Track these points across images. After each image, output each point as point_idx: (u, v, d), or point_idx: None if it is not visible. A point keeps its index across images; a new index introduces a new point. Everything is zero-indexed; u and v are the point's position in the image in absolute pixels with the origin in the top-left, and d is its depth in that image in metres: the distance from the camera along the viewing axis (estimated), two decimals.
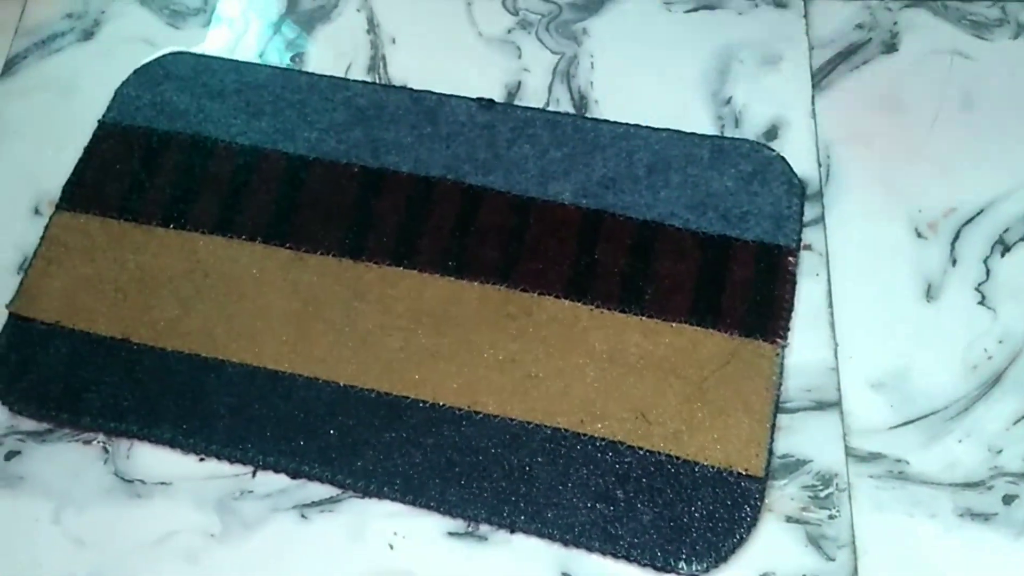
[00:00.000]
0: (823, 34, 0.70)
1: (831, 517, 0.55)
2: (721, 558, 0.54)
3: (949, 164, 0.65)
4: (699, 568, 0.54)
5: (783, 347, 0.59)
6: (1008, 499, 0.55)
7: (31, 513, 0.58)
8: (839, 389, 0.58)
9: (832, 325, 0.60)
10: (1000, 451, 0.56)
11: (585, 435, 0.57)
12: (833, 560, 0.54)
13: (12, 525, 0.58)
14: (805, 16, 0.71)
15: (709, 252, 0.62)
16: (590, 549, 0.55)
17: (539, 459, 0.57)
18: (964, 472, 0.56)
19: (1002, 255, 0.62)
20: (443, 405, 0.59)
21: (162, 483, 0.59)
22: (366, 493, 0.57)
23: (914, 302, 0.61)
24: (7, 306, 0.64)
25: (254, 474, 0.58)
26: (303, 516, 0.57)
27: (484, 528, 0.56)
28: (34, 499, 0.58)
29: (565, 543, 0.55)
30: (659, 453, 0.56)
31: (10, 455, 0.60)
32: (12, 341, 0.62)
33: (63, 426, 0.60)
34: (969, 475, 0.56)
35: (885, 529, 0.55)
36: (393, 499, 0.57)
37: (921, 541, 0.54)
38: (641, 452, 0.57)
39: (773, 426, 0.57)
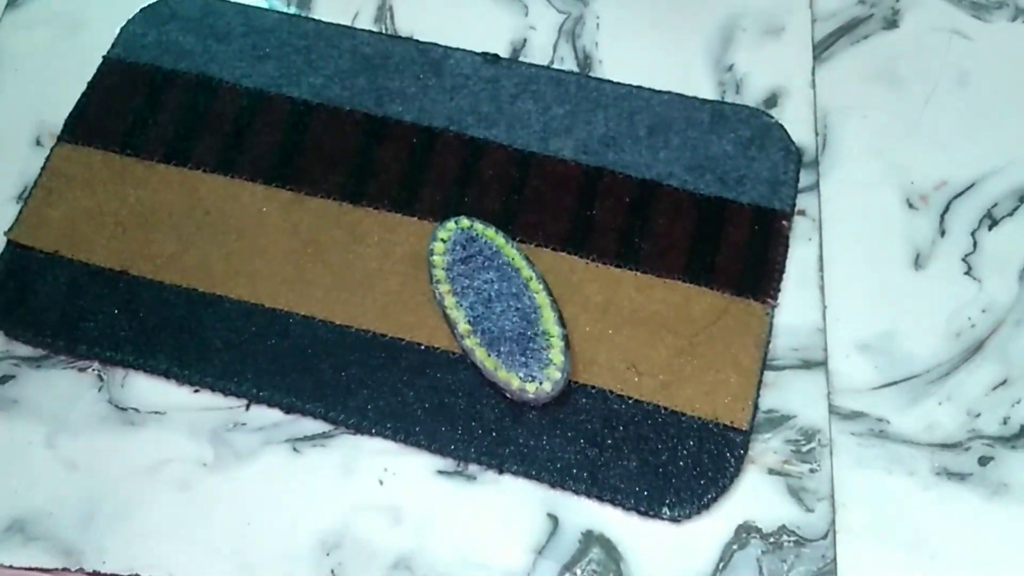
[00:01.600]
0: (826, 7, 0.71)
1: (812, 471, 0.57)
2: (704, 505, 0.55)
3: (942, 139, 0.66)
4: (682, 514, 0.55)
5: (773, 307, 0.60)
6: (984, 460, 0.57)
7: (24, 437, 0.59)
8: (826, 349, 0.60)
9: (822, 288, 0.62)
10: (978, 415, 0.58)
11: (576, 383, 0.58)
12: (812, 512, 0.56)
13: (5, 448, 0.58)
14: None
15: (705, 213, 0.63)
16: (576, 492, 0.56)
17: (527, 405, 0.58)
18: (943, 433, 0.58)
19: (989, 228, 0.63)
20: (437, 348, 0.59)
21: (156, 412, 0.59)
22: (358, 430, 0.58)
23: (903, 270, 0.62)
24: (6, 233, 0.64)
25: (248, 407, 0.59)
26: (295, 450, 0.58)
27: (473, 468, 0.57)
28: (28, 423, 0.59)
29: (552, 485, 0.56)
30: (647, 403, 0.58)
31: (4, 379, 0.60)
32: (10, 268, 0.63)
33: (59, 353, 0.61)
34: (947, 436, 0.57)
35: (864, 484, 0.56)
36: (384, 436, 0.58)
37: (898, 497, 0.56)
38: (630, 401, 0.58)
39: (760, 382, 0.58)
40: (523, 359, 0.57)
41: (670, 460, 0.56)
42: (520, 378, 0.56)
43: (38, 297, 0.61)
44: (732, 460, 0.56)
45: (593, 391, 0.58)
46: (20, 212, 0.65)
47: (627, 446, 0.57)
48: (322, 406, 0.58)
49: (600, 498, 0.56)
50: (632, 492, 0.56)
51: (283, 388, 0.59)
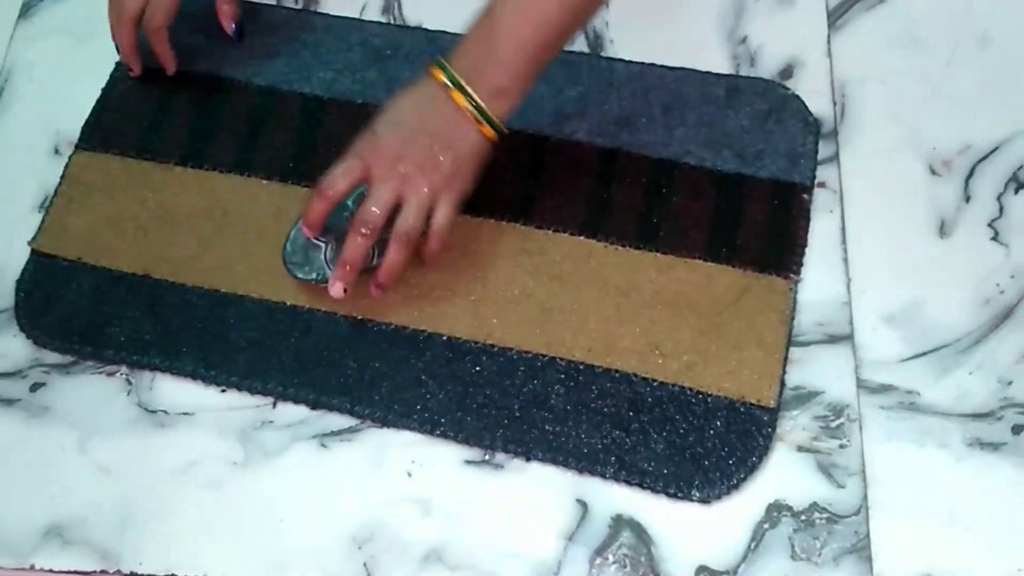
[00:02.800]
0: None
1: (841, 447, 0.56)
2: (733, 486, 0.55)
3: (964, 102, 0.65)
4: (711, 495, 0.55)
5: (796, 282, 0.60)
6: (1017, 429, 0.56)
7: (57, 442, 0.59)
8: (851, 323, 0.59)
9: (846, 261, 0.61)
10: (1010, 383, 0.57)
11: (600, 367, 0.58)
12: (843, 488, 0.55)
13: (40, 454, 0.59)
14: None
15: (724, 189, 0.62)
16: (605, 476, 0.56)
17: (555, 390, 0.58)
18: (974, 403, 0.57)
19: (1015, 192, 0.62)
20: (460, 339, 0.59)
21: (185, 413, 0.60)
22: (384, 423, 0.58)
23: (927, 238, 0.61)
24: (29, 243, 0.64)
25: (274, 405, 0.60)
26: (323, 445, 0.58)
27: (500, 456, 0.57)
28: (60, 429, 0.60)
29: (580, 471, 0.56)
30: (673, 385, 0.57)
31: (35, 387, 0.61)
32: (35, 277, 0.63)
33: (87, 359, 0.61)
34: (979, 406, 0.57)
35: (895, 458, 0.56)
36: (411, 429, 0.58)
37: (931, 470, 0.55)
38: (655, 384, 0.57)
39: (786, 359, 0.58)
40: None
41: (698, 441, 0.56)
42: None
43: (64, 304, 0.62)
44: (760, 439, 0.56)
45: (617, 375, 0.58)
46: (42, 221, 0.65)
47: (654, 429, 0.56)
48: (348, 401, 0.58)
49: (628, 482, 0.56)
50: (661, 475, 0.55)
51: (308, 385, 0.59)
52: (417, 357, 0.59)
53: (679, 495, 0.55)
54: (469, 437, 0.57)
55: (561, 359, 0.58)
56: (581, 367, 0.58)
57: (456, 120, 0.57)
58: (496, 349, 0.59)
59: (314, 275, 0.60)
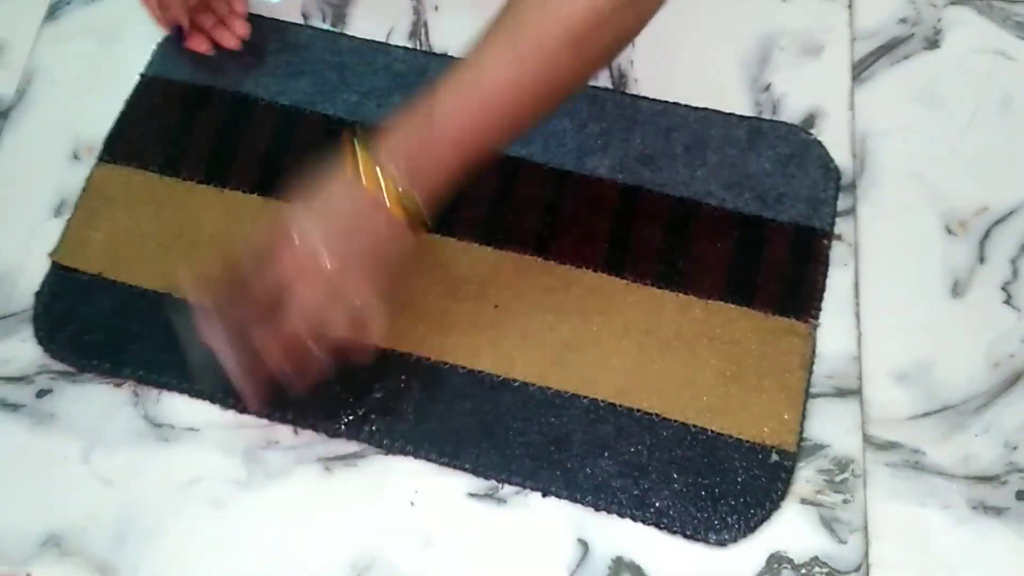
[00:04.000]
0: (866, 26, 0.70)
1: (845, 501, 0.56)
2: (750, 529, 0.55)
3: (984, 163, 0.65)
4: (728, 538, 0.55)
5: (816, 326, 0.60)
6: (1021, 495, 0.56)
7: (61, 451, 0.59)
8: (860, 378, 0.59)
9: (857, 315, 0.61)
10: (1016, 447, 0.57)
11: (621, 406, 0.58)
12: (845, 543, 0.55)
13: (42, 461, 0.59)
14: (849, 7, 0.71)
15: (744, 231, 0.62)
16: (621, 515, 0.56)
17: (575, 427, 0.58)
18: (979, 466, 0.57)
19: None
20: (480, 372, 0.59)
21: (190, 429, 0.60)
22: (404, 453, 0.58)
23: (940, 297, 0.61)
24: (50, 255, 0.64)
25: (296, 432, 0.59)
26: (327, 469, 0.58)
27: (504, 491, 0.57)
28: (64, 437, 0.60)
29: (597, 508, 0.56)
30: (693, 426, 0.57)
31: (41, 393, 0.61)
32: (54, 290, 0.63)
33: (104, 375, 0.61)
34: (984, 469, 0.57)
35: (898, 516, 0.56)
36: (429, 460, 0.58)
37: (933, 530, 0.55)
38: (676, 424, 0.58)
39: (805, 402, 0.58)
40: None
41: (717, 484, 0.56)
42: None
43: (82, 319, 0.62)
44: (779, 483, 0.56)
45: (638, 414, 0.58)
46: (63, 233, 0.65)
47: (673, 469, 0.56)
48: (366, 431, 0.58)
49: (645, 522, 0.56)
50: (678, 516, 0.55)
51: (328, 414, 0.59)
52: (437, 388, 0.59)
53: (696, 537, 0.55)
54: (487, 470, 0.57)
55: (582, 397, 0.59)
56: (602, 405, 0.58)
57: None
58: (517, 384, 0.59)
59: None
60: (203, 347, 0.53)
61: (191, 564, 0.56)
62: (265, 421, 0.60)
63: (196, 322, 0.53)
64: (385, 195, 0.50)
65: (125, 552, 0.56)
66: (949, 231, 0.63)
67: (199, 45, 0.70)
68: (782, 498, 0.56)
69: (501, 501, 0.57)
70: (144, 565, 0.56)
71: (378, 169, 0.50)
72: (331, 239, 0.51)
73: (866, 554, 0.55)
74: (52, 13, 0.74)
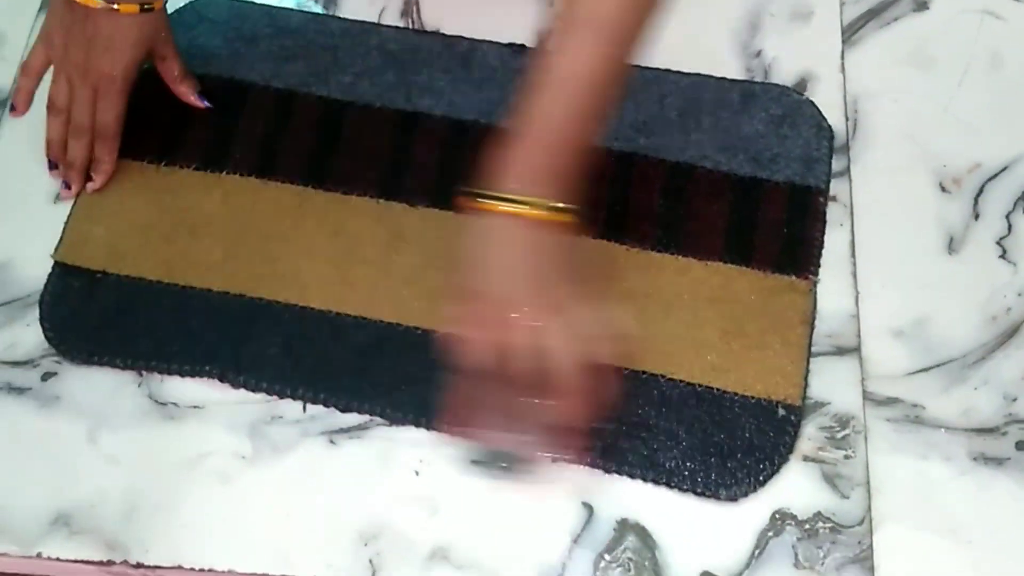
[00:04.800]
0: None
1: (847, 457, 0.57)
2: (760, 483, 0.56)
3: (975, 122, 0.66)
4: (739, 492, 0.55)
5: (816, 282, 0.60)
6: (1021, 445, 0.56)
7: (67, 432, 0.60)
8: (859, 335, 0.60)
9: (854, 274, 0.61)
10: (1015, 399, 0.58)
11: (626, 370, 0.59)
12: (847, 498, 0.56)
13: (49, 442, 0.60)
14: None
15: (741, 193, 0.63)
16: (632, 476, 0.56)
17: None
18: (979, 418, 0.57)
19: None
20: None
21: (195, 407, 0.60)
22: (416, 425, 0.58)
23: (936, 254, 0.62)
24: (52, 255, 0.64)
25: (304, 408, 0.60)
26: (332, 442, 0.59)
27: (509, 457, 0.58)
28: (70, 418, 0.60)
29: (607, 471, 0.57)
30: (699, 385, 0.58)
31: (46, 376, 0.61)
32: (59, 290, 0.63)
33: (116, 368, 0.61)
34: (984, 421, 0.57)
35: (899, 470, 0.56)
36: (442, 431, 0.58)
37: (934, 482, 0.56)
38: (682, 384, 0.58)
39: (808, 357, 0.58)
40: None
41: (725, 440, 0.57)
42: None
43: (90, 316, 0.62)
44: (786, 437, 0.56)
45: (644, 376, 0.58)
46: (63, 232, 0.65)
47: (681, 429, 0.57)
48: (379, 405, 0.59)
49: (656, 482, 0.56)
50: (689, 474, 0.56)
51: (339, 389, 0.59)
52: (445, 358, 0.60)
53: (706, 493, 0.56)
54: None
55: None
56: (608, 369, 0.59)
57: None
58: None
59: None
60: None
61: (199, 539, 0.57)
62: (268, 397, 0.60)
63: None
64: (535, 214, 0.50)
65: (134, 529, 0.57)
66: (943, 189, 0.64)
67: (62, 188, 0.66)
68: (790, 451, 0.56)
69: (504, 468, 0.58)
70: (153, 541, 0.57)
71: (514, 201, 0.51)
72: (519, 285, 0.50)
73: (869, 508, 0.55)
74: (47, 4, 0.75)
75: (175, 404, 0.60)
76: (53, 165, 0.66)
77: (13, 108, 0.66)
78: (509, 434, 0.53)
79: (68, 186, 0.66)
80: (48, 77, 0.65)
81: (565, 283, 0.51)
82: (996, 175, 0.64)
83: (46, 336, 0.62)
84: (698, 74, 0.67)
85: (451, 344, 0.51)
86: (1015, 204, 0.63)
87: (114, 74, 0.63)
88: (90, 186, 0.66)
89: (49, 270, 0.64)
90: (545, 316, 0.50)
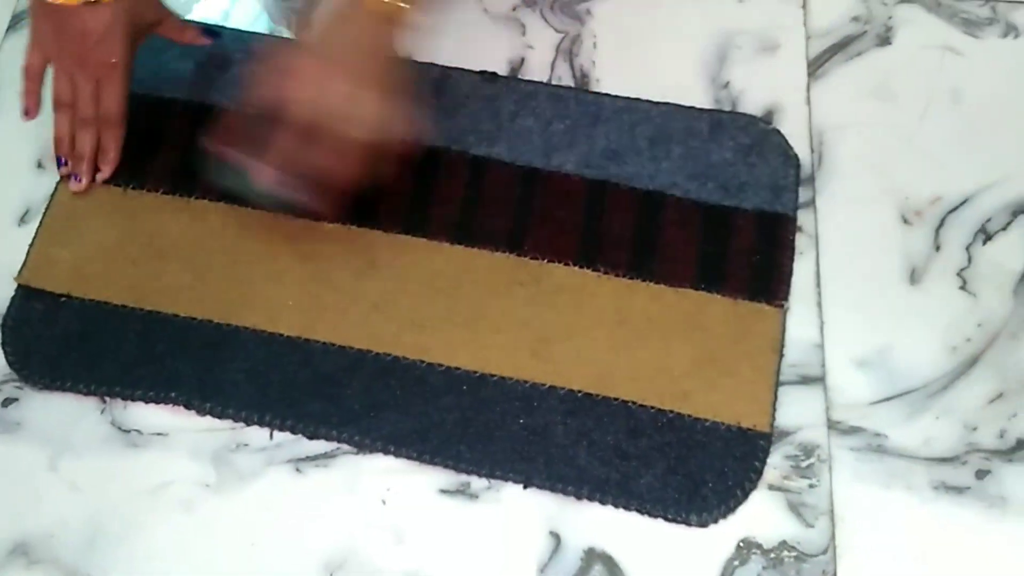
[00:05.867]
0: (820, 25, 0.72)
1: (811, 486, 0.57)
2: (730, 509, 0.56)
3: (937, 155, 0.67)
4: (710, 519, 0.56)
5: (786, 309, 0.61)
6: (981, 474, 0.57)
7: (28, 459, 0.59)
8: (824, 365, 0.60)
9: (819, 304, 0.62)
10: (975, 428, 0.59)
11: (598, 396, 0.59)
12: (812, 527, 0.56)
13: (10, 470, 0.59)
14: (803, 6, 0.73)
15: (711, 220, 0.64)
16: (603, 503, 0.57)
17: (553, 419, 0.58)
18: (940, 447, 0.58)
19: (984, 243, 0.64)
20: (457, 369, 0.60)
21: (158, 434, 0.60)
22: (384, 452, 0.58)
23: (898, 285, 0.63)
24: (15, 278, 0.64)
25: (271, 436, 0.59)
26: (297, 470, 0.58)
27: (476, 486, 0.58)
28: (31, 445, 0.59)
29: (579, 497, 0.57)
30: (670, 411, 0.58)
31: (7, 401, 0.61)
32: (22, 314, 0.63)
33: (79, 394, 0.60)
34: (945, 450, 0.58)
35: (863, 499, 0.57)
36: (410, 458, 0.58)
37: (897, 511, 0.56)
38: (652, 411, 0.58)
39: (777, 383, 0.59)
40: None
41: (696, 466, 0.57)
42: None
43: (53, 340, 0.61)
44: (755, 462, 0.57)
45: (615, 403, 0.59)
46: (28, 254, 0.64)
47: (652, 455, 0.57)
48: (347, 432, 0.58)
49: (627, 507, 0.56)
50: (660, 500, 0.56)
51: (307, 416, 0.59)
52: (417, 386, 0.60)
53: (677, 519, 0.56)
54: (468, 465, 0.58)
55: (559, 388, 0.59)
56: (579, 396, 0.59)
57: None
58: (495, 379, 0.59)
59: None
60: (261, 186, 0.58)
61: (162, 568, 0.56)
62: (234, 424, 0.59)
63: (248, 173, 0.58)
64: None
65: (95, 558, 0.56)
66: (905, 221, 0.65)
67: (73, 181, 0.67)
68: (759, 477, 0.57)
69: (473, 496, 0.57)
70: (114, 571, 0.56)
71: None
72: (345, 48, 0.57)
73: (833, 536, 0.56)
74: (15, 24, 0.74)
75: (138, 431, 0.60)
76: (62, 162, 0.66)
77: (27, 112, 0.66)
78: (260, 163, 0.57)
79: (79, 179, 0.66)
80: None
81: (380, 68, 0.58)
82: (956, 207, 0.65)
83: (7, 360, 0.61)
84: (667, 103, 0.68)
85: (254, 83, 0.57)
86: (975, 236, 0.64)
87: (114, 62, 0.63)
88: (99, 176, 0.66)
89: (12, 293, 0.63)
90: (349, 83, 0.56)
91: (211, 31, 0.71)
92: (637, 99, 0.68)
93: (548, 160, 0.66)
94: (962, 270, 0.63)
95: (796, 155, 0.66)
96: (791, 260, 0.63)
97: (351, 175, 0.58)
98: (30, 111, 0.66)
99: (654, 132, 0.67)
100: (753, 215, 0.64)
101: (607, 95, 0.69)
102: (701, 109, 0.68)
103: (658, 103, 0.68)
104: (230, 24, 0.73)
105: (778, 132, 0.67)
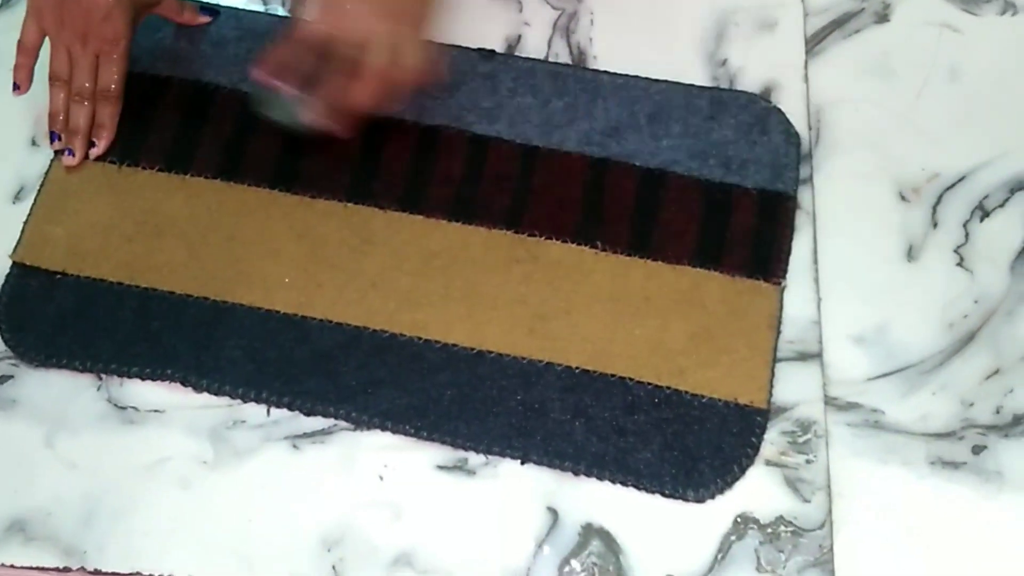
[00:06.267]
0: (818, 2, 0.72)
1: (808, 462, 0.57)
2: (727, 484, 0.56)
3: (934, 132, 0.67)
4: (707, 494, 0.56)
5: (783, 287, 0.61)
6: (977, 449, 0.57)
7: (24, 436, 0.59)
8: (821, 341, 0.60)
9: (817, 281, 0.62)
10: (972, 404, 0.59)
11: (595, 372, 0.59)
12: (809, 502, 0.56)
13: (6, 447, 0.59)
14: None
15: (711, 198, 0.64)
16: (600, 479, 0.57)
17: (550, 395, 0.58)
18: (937, 423, 0.58)
19: (981, 220, 0.64)
20: (455, 345, 0.60)
21: (155, 411, 0.59)
22: (382, 428, 0.58)
23: (896, 262, 0.63)
24: (10, 255, 0.63)
25: (268, 412, 0.59)
26: (295, 447, 0.58)
27: (473, 462, 0.58)
28: (27, 423, 0.59)
29: (576, 472, 0.57)
30: (666, 388, 0.58)
31: (3, 379, 0.60)
32: (17, 291, 0.62)
33: (75, 371, 0.60)
34: (942, 426, 0.58)
35: (859, 474, 0.57)
36: (408, 435, 0.58)
37: (893, 486, 0.57)
38: (649, 387, 0.58)
39: (774, 360, 0.59)
40: None
41: (692, 442, 0.57)
42: None
43: (48, 318, 0.61)
44: (752, 438, 0.57)
45: (613, 379, 0.59)
46: (22, 232, 0.64)
47: (649, 431, 0.57)
48: (344, 409, 0.58)
49: (625, 483, 0.56)
50: (657, 476, 0.56)
51: (304, 393, 0.59)
52: (414, 363, 0.60)
53: (674, 494, 0.56)
54: (466, 441, 0.58)
55: (556, 365, 0.59)
56: (576, 372, 0.59)
57: None
58: (492, 355, 0.59)
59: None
60: (308, 118, 0.61)
61: (159, 545, 0.56)
62: (231, 401, 0.59)
63: (295, 105, 0.61)
64: None
65: (92, 535, 0.56)
66: (903, 198, 0.65)
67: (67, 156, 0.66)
68: (756, 452, 0.57)
69: (470, 472, 0.58)
70: (111, 547, 0.56)
71: None
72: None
73: (829, 511, 0.56)
74: (7, 2, 0.74)
75: (135, 408, 0.59)
76: (56, 137, 0.66)
77: (16, 87, 0.65)
78: (297, 90, 0.61)
79: (72, 154, 0.65)
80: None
81: (414, 10, 0.61)
82: (954, 185, 0.65)
83: (3, 338, 0.61)
84: (667, 81, 0.68)
85: (296, 19, 0.60)
86: (972, 213, 0.64)
87: (116, 38, 0.63)
88: (93, 152, 0.66)
89: (7, 270, 0.63)
90: (385, 22, 0.59)
91: (209, 10, 0.71)
92: (636, 76, 0.68)
93: (548, 138, 0.66)
94: (959, 247, 0.63)
95: (797, 134, 0.66)
96: (790, 238, 0.63)
97: (385, 109, 0.62)
98: (21, 86, 0.65)
99: (654, 109, 0.66)
100: (754, 193, 0.64)
101: (606, 72, 0.68)
102: (701, 87, 0.68)
103: (657, 80, 0.68)
104: (225, 1, 0.72)
105: (779, 110, 0.67)
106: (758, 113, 0.66)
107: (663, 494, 0.56)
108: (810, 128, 0.67)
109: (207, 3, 0.71)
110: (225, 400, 0.59)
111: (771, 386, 0.58)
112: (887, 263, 0.63)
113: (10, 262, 0.63)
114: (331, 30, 0.59)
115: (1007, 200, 0.65)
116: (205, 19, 0.70)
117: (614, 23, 0.71)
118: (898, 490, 0.56)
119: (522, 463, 0.57)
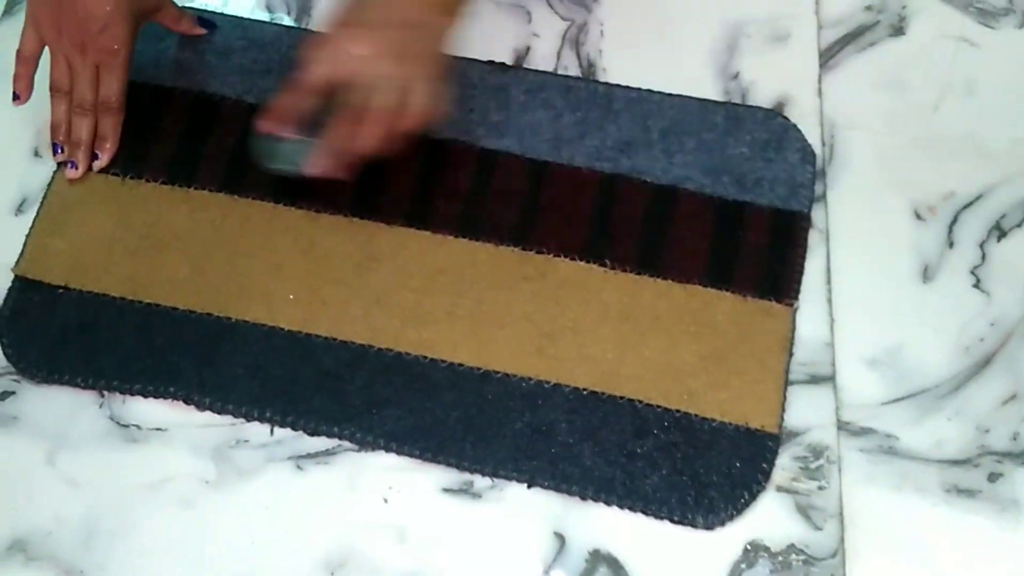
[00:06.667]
0: (832, 14, 0.70)
1: (820, 488, 0.56)
2: (737, 511, 0.55)
3: (950, 148, 0.66)
4: (717, 521, 0.55)
5: (796, 309, 0.60)
6: (993, 477, 0.56)
7: (25, 454, 0.58)
8: (834, 364, 0.59)
9: (830, 301, 0.61)
10: (988, 430, 0.58)
11: (603, 394, 0.58)
12: (821, 530, 0.55)
13: (6, 465, 0.58)
14: None
15: (724, 216, 0.62)
16: (608, 504, 0.56)
17: (558, 417, 0.57)
18: (952, 449, 0.57)
19: (998, 240, 0.63)
20: (460, 365, 0.59)
21: (157, 429, 0.59)
22: (386, 449, 0.57)
23: (911, 282, 0.62)
24: (12, 268, 0.63)
25: (271, 432, 0.58)
26: (298, 467, 0.58)
27: (479, 485, 0.57)
28: (28, 440, 0.58)
29: (584, 497, 0.56)
30: (676, 411, 0.57)
31: (4, 395, 0.60)
32: (19, 305, 0.62)
33: (77, 388, 0.59)
34: (957, 453, 0.57)
35: (873, 502, 0.56)
36: (413, 456, 0.57)
37: (907, 514, 0.56)
38: (659, 410, 0.57)
39: (786, 383, 0.58)
40: None
41: (701, 467, 0.56)
42: None
43: (50, 333, 0.60)
44: (764, 464, 0.56)
45: (621, 401, 0.58)
46: (25, 245, 0.63)
47: (658, 455, 0.56)
48: (349, 429, 0.58)
49: (632, 509, 0.55)
50: (665, 501, 0.55)
51: (308, 412, 0.58)
52: (419, 383, 0.59)
53: (683, 521, 0.55)
54: (471, 464, 0.57)
55: (563, 386, 0.58)
56: (584, 394, 0.58)
57: None
58: (498, 375, 0.58)
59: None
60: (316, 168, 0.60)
61: (160, 565, 0.55)
62: (234, 420, 0.59)
63: (303, 155, 0.59)
64: None
65: (93, 554, 0.55)
66: (918, 216, 0.64)
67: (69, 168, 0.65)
68: (767, 478, 0.56)
69: (476, 496, 0.57)
70: (112, 567, 0.55)
71: None
72: (368, 31, 0.57)
73: (842, 539, 0.55)
74: (10, 8, 0.73)
75: (137, 426, 0.59)
76: (58, 149, 0.65)
77: (16, 97, 0.64)
78: (301, 135, 0.59)
79: (75, 166, 0.64)
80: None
81: (425, 51, 0.58)
82: (970, 204, 0.64)
83: (4, 353, 0.61)
84: (681, 95, 0.66)
85: (307, 60, 0.58)
86: (989, 233, 0.63)
87: (116, 48, 0.62)
88: (96, 164, 0.65)
89: (9, 284, 0.63)
90: (394, 64, 0.57)
91: (207, 23, 0.70)
92: (649, 90, 0.67)
93: (558, 152, 0.65)
94: (976, 268, 0.62)
95: (814, 152, 0.65)
96: (803, 258, 0.61)
97: (391, 154, 0.59)
98: (21, 96, 0.64)
99: (667, 124, 0.65)
100: (768, 212, 0.62)
101: (618, 86, 0.67)
102: (716, 102, 0.66)
103: (671, 95, 0.67)
104: (229, 11, 0.72)
105: (795, 127, 0.65)
106: (774, 129, 0.65)
107: (672, 520, 0.55)
108: (823, 144, 0.66)
109: (205, 16, 0.70)
110: (228, 419, 0.59)
111: (783, 410, 0.57)
112: (902, 284, 0.62)
113: (12, 276, 0.63)
114: (337, 73, 0.57)
115: None
116: (201, 31, 0.69)
117: (624, 34, 0.70)
118: (912, 518, 0.55)
119: (528, 487, 0.56)
